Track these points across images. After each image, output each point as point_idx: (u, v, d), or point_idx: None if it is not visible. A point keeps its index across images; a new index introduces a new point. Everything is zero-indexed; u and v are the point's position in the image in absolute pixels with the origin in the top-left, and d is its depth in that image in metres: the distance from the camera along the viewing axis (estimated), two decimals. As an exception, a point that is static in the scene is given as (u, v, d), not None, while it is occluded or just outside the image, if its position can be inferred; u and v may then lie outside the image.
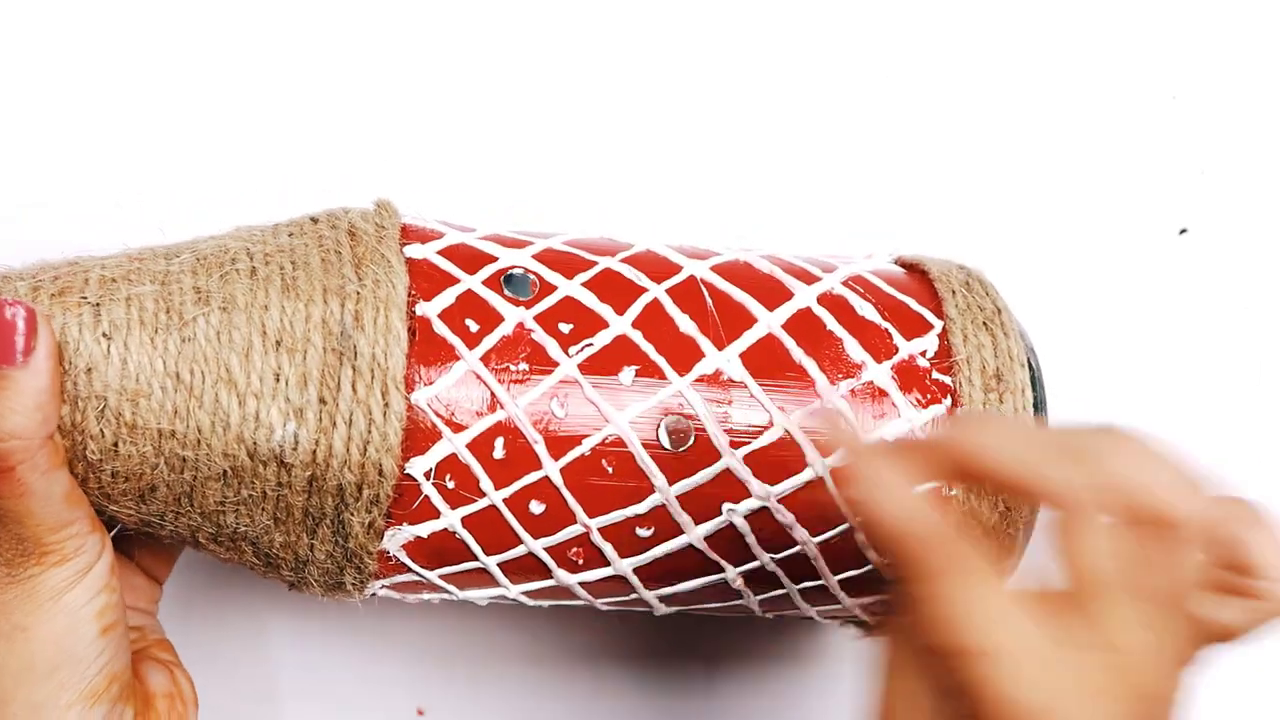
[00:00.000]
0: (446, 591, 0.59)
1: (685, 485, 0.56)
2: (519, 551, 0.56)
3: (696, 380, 0.56)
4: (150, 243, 0.58)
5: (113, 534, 0.56)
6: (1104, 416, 0.72)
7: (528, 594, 0.59)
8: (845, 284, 0.60)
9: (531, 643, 0.71)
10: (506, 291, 0.56)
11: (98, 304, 0.54)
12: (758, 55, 0.74)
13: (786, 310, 0.58)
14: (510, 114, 0.72)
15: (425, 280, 0.56)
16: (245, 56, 0.71)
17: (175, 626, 0.64)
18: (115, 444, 0.53)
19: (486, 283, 0.56)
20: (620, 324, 0.56)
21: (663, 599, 0.59)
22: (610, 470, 0.56)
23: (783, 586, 0.59)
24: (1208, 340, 0.75)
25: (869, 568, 0.59)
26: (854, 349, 0.58)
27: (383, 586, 0.58)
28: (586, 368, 0.56)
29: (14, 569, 0.53)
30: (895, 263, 0.63)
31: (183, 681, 0.59)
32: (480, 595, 0.59)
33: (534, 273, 0.57)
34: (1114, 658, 0.47)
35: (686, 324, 0.57)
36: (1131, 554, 0.48)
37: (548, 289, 0.57)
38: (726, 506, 0.56)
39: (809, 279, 0.59)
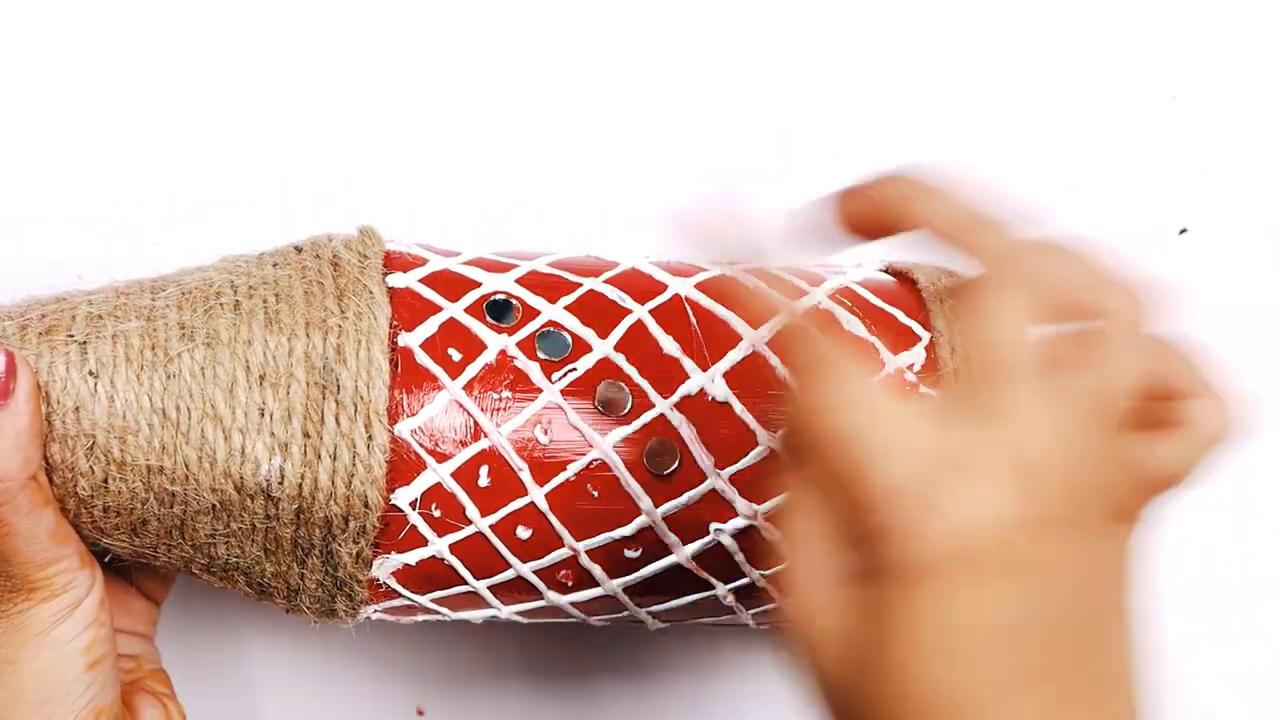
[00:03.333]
0: (439, 614, 0.59)
1: (671, 506, 0.56)
2: (508, 575, 0.57)
3: (681, 401, 0.56)
4: (147, 244, 0.59)
5: (107, 559, 0.56)
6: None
7: (520, 614, 0.59)
8: (831, 298, 0.60)
9: (528, 651, 0.71)
10: (489, 318, 0.57)
11: (84, 342, 0.54)
12: (752, 57, 0.74)
13: (772, 327, 0.58)
14: (510, 116, 0.72)
15: (407, 310, 0.56)
16: (245, 57, 0.71)
17: (169, 630, 0.65)
18: (105, 480, 0.54)
19: (469, 310, 0.56)
20: (603, 347, 0.57)
21: (655, 615, 0.60)
22: (596, 494, 0.56)
23: (774, 601, 0.59)
24: (1207, 341, 0.74)
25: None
26: (839, 365, 0.58)
27: (375, 611, 0.59)
28: (570, 393, 0.56)
29: (2, 604, 0.54)
30: (885, 270, 0.63)
31: (175, 716, 0.59)
32: (473, 616, 0.59)
33: (517, 298, 0.57)
34: (1006, 432, 0.44)
35: (670, 345, 0.57)
36: (1052, 346, 0.45)
37: (531, 314, 0.57)
38: (714, 526, 0.57)
39: (795, 294, 0.59)
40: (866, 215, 0.49)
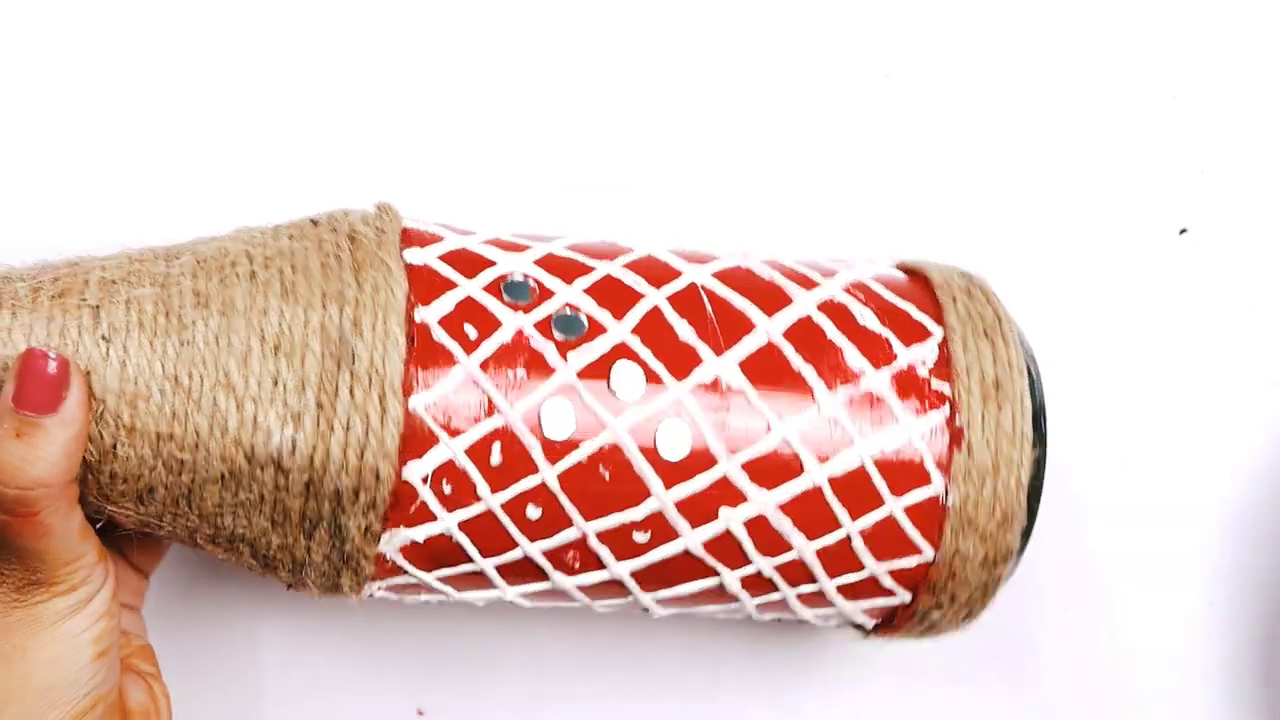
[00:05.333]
0: (443, 593, 0.59)
1: (682, 491, 0.56)
2: (516, 555, 0.57)
3: (695, 387, 0.56)
4: (153, 238, 0.58)
5: (98, 526, 0.56)
6: (1106, 417, 0.73)
7: (525, 596, 0.59)
8: (846, 290, 0.60)
9: (531, 643, 0.71)
10: (506, 297, 0.56)
11: (97, 306, 0.54)
12: (763, 55, 0.74)
13: (787, 317, 0.58)
14: (516, 114, 0.72)
15: (425, 285, 0.56)
16: (250, 52, 0.70)
17: (167, 625, 0.65)
18: (114, 446, 0.53)
19: (486, 288, 0.56)
20: (619, 330, 0.56)
21: (660, 602, 0.59)
22: (607, 476, 0.56)
23: (780, 591, 0.59)
24: (1208, 341, 0.74)
25: (867, 573, 0.59)
26: (853, 357, 0.58)
27: (380, 588, 0.58)
28: (585, 374, 0.56)
29: (23, 595, 0.54)
30: (896, 267, 0.63)
31: (160, 697, 0.59)
32: (477, 597, 0.59)
33: (533, 278, 0.57)
34: None
35: (686, 330, 0.57)
36: None
37: (547, 294, 0.57)
38: (724, 512, 0.57)
39: (809, 285, 0.59)
40: None
